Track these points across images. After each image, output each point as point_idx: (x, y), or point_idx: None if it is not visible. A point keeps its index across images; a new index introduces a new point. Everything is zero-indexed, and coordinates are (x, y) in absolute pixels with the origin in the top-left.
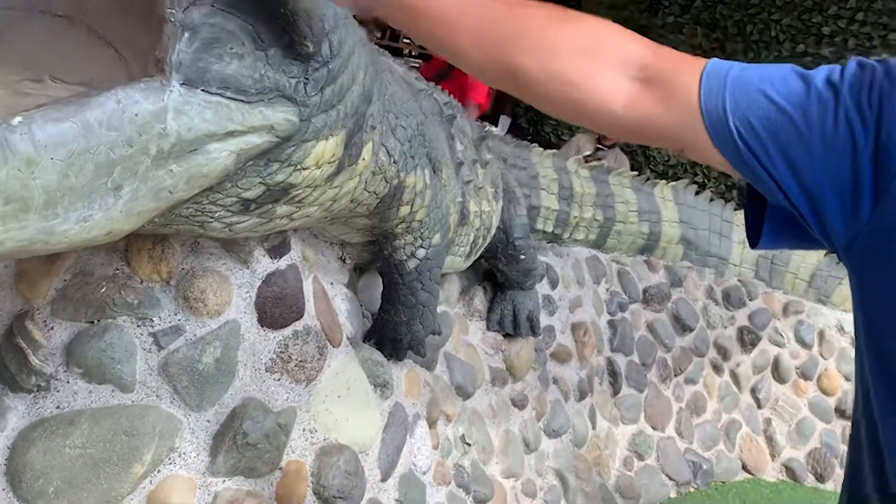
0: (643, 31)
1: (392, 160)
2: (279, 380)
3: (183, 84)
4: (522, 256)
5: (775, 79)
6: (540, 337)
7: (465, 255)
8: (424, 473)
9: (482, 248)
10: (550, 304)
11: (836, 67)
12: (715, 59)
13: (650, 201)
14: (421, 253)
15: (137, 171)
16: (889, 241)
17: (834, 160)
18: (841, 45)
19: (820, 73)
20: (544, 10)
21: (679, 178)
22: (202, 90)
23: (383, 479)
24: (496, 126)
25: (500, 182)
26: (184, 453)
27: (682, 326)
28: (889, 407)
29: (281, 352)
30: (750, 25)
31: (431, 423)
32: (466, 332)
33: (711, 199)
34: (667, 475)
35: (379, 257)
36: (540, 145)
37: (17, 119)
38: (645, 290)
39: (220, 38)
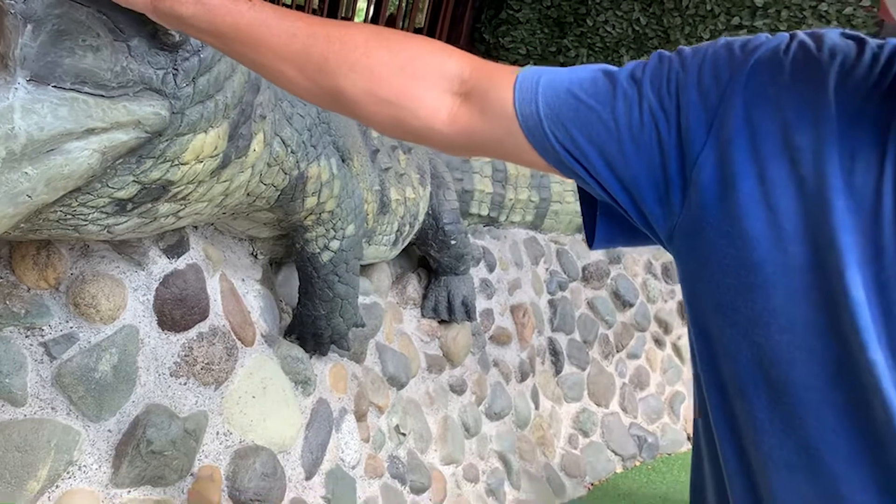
0: (581, 8)
1: (289, 150)
2: (186, 384)
3: (30, 80)
4: (454, 242)
5: (584, 80)
6: (477, 321)
7: (391, 243)
8: (354, 468)
9: (410, 236)
10: (488, 287)
11: (640, 63)
12: (528, 67)
13: None
14: (335, 245)
15: None
16: (699, 228)
17: (644, 154)
18: (774, 17)
19: (624, 70)
20: (364, 32)
21: None
22: (54, 86)
23: (308, 478)
24: None
25: (427, 167)
26: (84, 466)
27: (623, 302)
28: (719, 406)
29: (186, 355)
30: (686, 0)
31: (360, 417)
32: (400, 321)
33: None
34: (612, 451)
35: (293, 251)
36: None
37: None
38: (584, 269)
39: (70, 29)
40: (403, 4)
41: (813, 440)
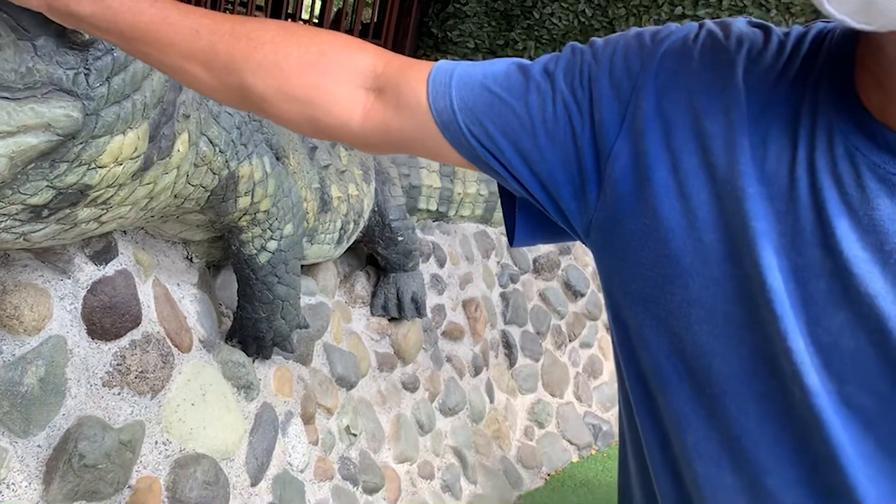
0: (527, 0)
1: (217, 150)
2: (119, 394)
3: None
4: (401, 238)
5: (497, 73)
6: (428, 317)
7: (335, 242)
8: (302, 471)
9: (356, 234)
10: (439, 282)
11: (554, 56)
12: (441, 62)
13: None
14: (272, 245)
15: None
16: (615, 221)
17: (559, 148)
18: (716, 6)
19: (538, 64)
20: (272, 28)
21: None
22: None
23: (253, 484)
24: None
25: (372, 163)
26: (13, 484)
27: (574, 292)
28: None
29: (118, 364)
30: None
31: (308, 419)
32: (349, 320)
33: None
34: (568, 440)
35: (229, 253)
36: None
37: None
38: (535, 261)
39: None
40: (352, 1)
41: (736, 431)
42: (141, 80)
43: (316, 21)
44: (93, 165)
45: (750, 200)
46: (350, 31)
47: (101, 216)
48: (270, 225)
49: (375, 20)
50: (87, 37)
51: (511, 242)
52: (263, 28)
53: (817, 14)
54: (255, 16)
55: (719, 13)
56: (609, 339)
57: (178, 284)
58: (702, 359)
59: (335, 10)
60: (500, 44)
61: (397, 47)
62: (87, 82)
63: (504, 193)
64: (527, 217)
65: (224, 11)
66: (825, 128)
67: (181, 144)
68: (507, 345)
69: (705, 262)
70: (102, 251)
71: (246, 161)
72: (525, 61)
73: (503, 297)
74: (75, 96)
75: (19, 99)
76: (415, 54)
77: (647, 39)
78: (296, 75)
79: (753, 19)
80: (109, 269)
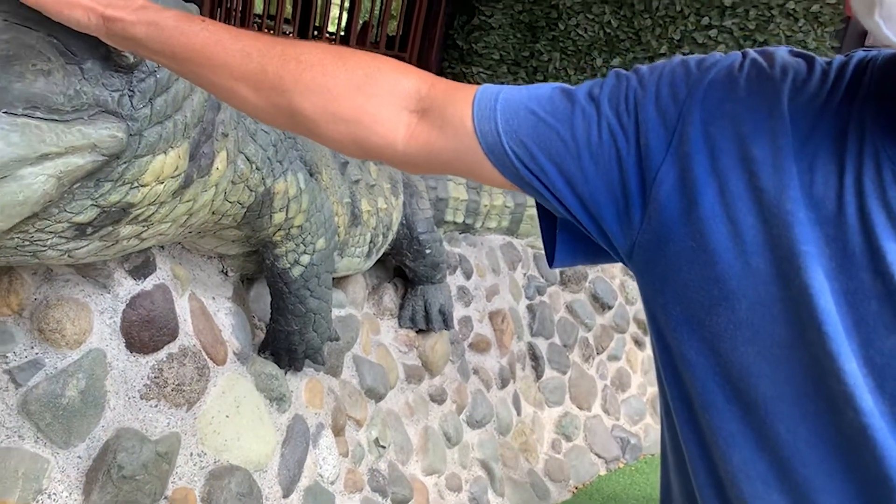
0: (553, 12)
1: (254, 167)
2: (157, 406)
3: None
4: (428, 251)
5: (542, 97)
6: (455, 329)
7: (365, 255)
8: (333, 483)
9: (384, 247)
10: (466, 294)
11: (598, 81)
12: (486, 85)
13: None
14: (305, 259)
15: None
16: (661, 243)
17: (603, 171)
18: (743, 16)
19: (582, 89)
20: (320, 51)
21: None
22: (5, 112)
23: (285, 496)
24: None
25: (400, 177)
26: (54, 494)
27: (601, 305)
28: (687, 420)
29: (155, 377)
30: (655, 2)
31: (338, 431)
32: (377, 332)
33: None
34: (595, 454)
35: (263, 267)
36: None
37: None
38: (562, 273)
39: (20, 54)
40: (376, 11)
41: (785, 452)
42: (182, 101)
43: (342, 34)
44: (135, 184)
45: (798, 225)
46: (376, 44)
47: (142, 233)
48: (304, 239)
49: (401, 32)
50: (131, 59)
51: (550, 264)
52: (312, 51)
53: (845, 23)
54: (284, 29)
55: (746, 23)
56: (637, 352)
57: (214, 298)
58: (749, 380)
59: (361, 22)
60: (525, 55)
61: (423, 59)
62: (132, 104)
63: (543, 214)
64: (568, 238)
65: (254, 25)
66: (872, 153)
67: (220, 162)
68: (534, 357)
69: (753, 284)
70: (141, 266)
71: (281, 177)
72: (569, 86)
73: (530, 309)
74: (120, 117)
75: (67, 121)
76: (440, 66)
77: (692, 67)
78: (343, 97)
79: (795, 49)
80: (148, 284)
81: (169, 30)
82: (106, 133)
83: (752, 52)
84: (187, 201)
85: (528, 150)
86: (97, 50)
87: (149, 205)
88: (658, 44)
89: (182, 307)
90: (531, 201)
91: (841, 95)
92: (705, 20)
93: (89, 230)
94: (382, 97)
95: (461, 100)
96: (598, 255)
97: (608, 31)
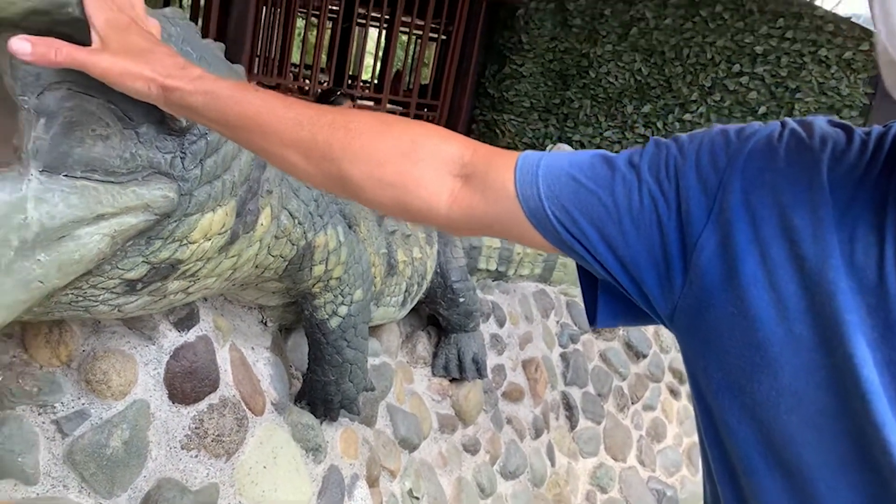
0: (583, 60)
1: (296, 222)
2: (197, 456)
3: (43, 171)
4: (462, 299)
5: (583, 164)
6: (488, 378)
7: (400, 304)
8: None
9: (419, 295)
10: (499, 342)
11: (637, 149)
12: (527, 152)
13: None
14: (343, 310)
15: (0, 264)
16: (702, 308)
17: (644, 236)
18: (775, 63)
19: (622, 156)
20: (367, 119)
21: None
22: (65, 175)
23: None
24: None
25: None
26: None
27: (636, 353)
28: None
29: (196, 427)
30: (686, 49)
31: (372, 482)
32: (411, 381)
33: None
34: None
35: (302, 317)
36: None
37: None
38: None
39: (81, 120)
40: (409, 60)
41: None
42: (230, 161)
43: (376, 82)
44: (184, 241)
45: (841, 294)
46: (408, 92)
47: (188, 287)
48: (342, 291)
49: (433, 81)
50: (184, 123)
51: (592, 324)
52: (360, 119)
53: (877, 70)
54: (320, 78)
55: (778, 70)
56: (672, 401)
57: (253, 348)
58: (791, 448)
59: (394, 70)
60: (556, 102)
61: (454, 107)
62: (183, 165)
63: (584, 275)
64: (609, 299)
65: (290, 74)
66: None
67: (264, 218)
68: (568, 406)
69: (796, 351)
70: (185, 318)
71: (322, 231)
72: (609, 153)
73: (563, 357)
74: (172, 178)
75: (122, 182)
76: (471, 114)
77: (732, 137)
78: (389, 163)
79: (833, 119)
80: (191, 336)
81: (224, 99)
82: (159, 193)
83: (790, 122)
84: (232, 256)
85: (570, 214)
86: (152, 114)
87: (196, 261)
88: (689, 91)
89: (223, 358)
90: None
91: (880, 166)
92: (736, 67)
93: (139, 286)
94: (426, 163)
95: (503, 166)
96: (639, 316)
97: (639, 78)
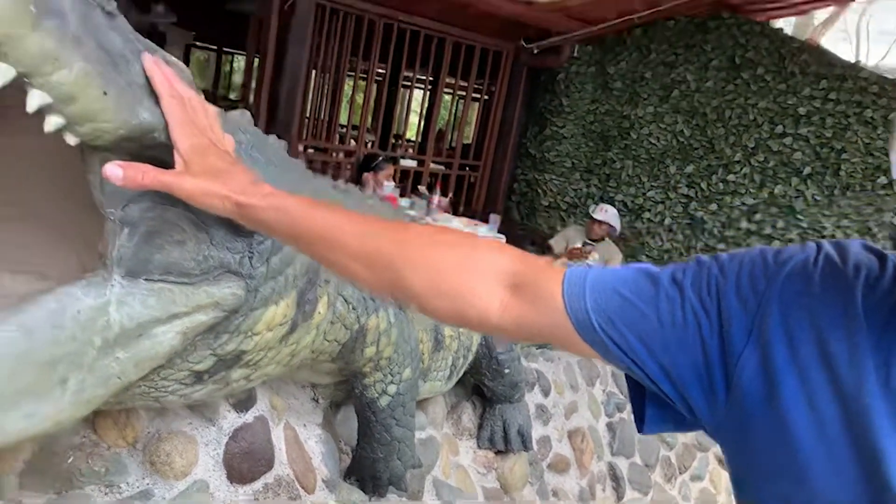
0: (624, 122)
1: (351, 307)
2: None
3: (125, 276)
4: (507, 370)
5: (628, 280)
6: (534, 449)
7: (446, 378)
8: None
9: (464, 368)
10: (544, 412)
11: (680, 266)
12: (573, 267)
13: None
14: (392, 389)
15: (83, 363)
16: (744, 426)
17: (688, 351)
18: (819, 125)
19: (665, 273)
20: (426, 233)
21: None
22: (144, 279)
23: None
24: (487, 224)
25: None
26: None
27: None
28: None
29: None
30: (728, 110)
31: None
32: (456, 453)
33: None
34: None
35: (352, 394)
36: (532, 236)
37: None
38: None
39: (161, 228)
40: (452, 120)
41: None
42: (293, 257)
43: (420, 140)
44: (249, 334)
45: (878, 418)
46: (451, 151)
47: (250, 375)
48: (391, 370)
49: (476, 141)
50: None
51: (640, 430)
52: (418, 233)
53: None
54: (367, 138)
55: (822, 131)
56: (721, 472)
57: (305, 426)
58: None
59: (437, 129)
60: (598, 163)
61: (496, 167)
62: (251, 263)
63: (632, 383)
64: (656, 407)
65: (337, 135)
66: None
67: (322, 307)
68: (615, 477)
69: (836, 472)
70: (244, 400)
71: (374, 314)
72: (653, 268)
73: (609, 426)
74: (240, 276)
75: (195, 283)
76: (513, 174)
77: (770, 260)
78: (445, 274)
79: (868, 243)
80: (249, 416)
81: (293, 215)
82: (228, 291)
83: (826, 246)
84: (292, 344)
85: (617, 328)
86: (224, 219)
87: (259, 351)
88: (732, 151)
89: (278, 437)
90: None
91: None
92: (779, 128)
93: (206, 376)
94: (480, 274)
95: (552, 278)
96: (685, 424)
97: (681, 139)
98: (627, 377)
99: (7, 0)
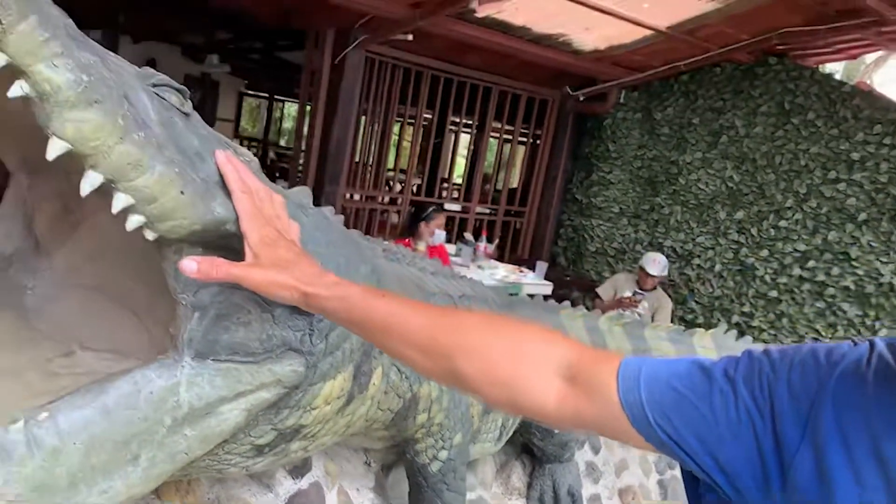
0: (672, 168)
1: (403, 376)
2: None
3: (194, 357)
4: (557, 430)
5: (681, 374)
6: None
7: (496, 439)
8: None
9: (514, 427)
10: (594, 470)
11: (732, 360)
12: (628, 358)
13: (690, 351)
14: (443, 455)
15: (154, 440)
16: None
17: (742, 445)
18: (873, 170)
19: (718, 367)
20: (481, 321)
21: (725, 309)
22: (212, 360)
23: None
24: (534, 270)
25: None
26: None
27: None
28: None
29: None
30: (779, 156)
31: None
32: None
33: (753, 340)
34: None
35: (404, 459)
36: (580, 282)
37: (44, 415)
38: None
39: (228, 311)
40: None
41: None
42: (350, 332)
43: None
44: (308, 408)
45: None
46: (497, 195)
47: (307, 447)
48: (443, 436)
49: (522, 185)
50: None
51: None
52: (474, 321)
53: None
54: (413, 181)
55: (877, 176)
56: None
57: (358, 489)
58: None
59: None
60: (646, 208)
61: (542, 213)
62: (311, 340)
63: (687, 475)
64: (711, 499)
65: (386, 185)
66: None
67: (376, 378)
68: None
69: None
70: (300, 465)
71: (425, 382)
72: (706, 361)
73: (661, 484)
74: (301, 353)
75: (259, 361)
76: (559, 220)
77: (822, 359)
78: (500, 363)
79: None
80: (304, 483)
81: (355, 304)
82: (289, 369)
83: (879, 345)
84: (347, 415)
85: (672, 422)
86: None
87: (317, 424)
88: (783, 197)
89: (332, 502)
90: None
91: None
92: (832, 174)
93: (266, 450)
94: (534, 364)
95: (607, 372)
96: None
97: (730, 185)
98: (682, 470)
99: (97, 113)
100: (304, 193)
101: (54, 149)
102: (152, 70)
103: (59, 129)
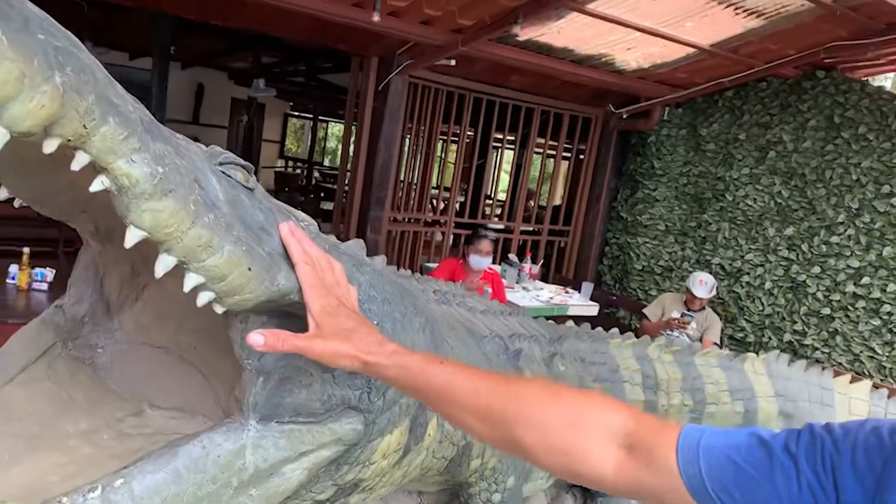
0: (719, 184)
1: None
2: None
3: (259, 420)
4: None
5: (741, 447)
6: None
7: (548, 476)
8: None
9: None
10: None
11: (793, 433)
12: (688, 427)
13: (741, 378)
14: (497, 498)
15: (220, 501)
16: None
17: None
18: None
19: (778, 441)
20: (538, 389)
21: (776, 328)
22: (276, 422)
23: None
24: (579, 291)
25: (576, 385)
26: None
27: None
28: None
29: None
30: (829, 171)
31: None
32: None
33: (807, 367)
34: None
35: (457, 500)
36: (626, 302)
37: (119, 481)
38: None
39: (291, 375)
40: (541, 179)
41: None
42: None
43: (509, 204)
44: (367, 463)
45: None
46: (540, 212)
47: (366, 499)
48: (496, 479)
49: (566, 203)
50: None
51: None
52: (531, 389)
53: None
54: (458, 198)
55: None
56: None
57: None
58: None
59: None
60: (693, 225)
61: (587, 232)
62: (369, 398)
63: None
64: None
65: (430, 199)
66: None
67: (431, 429)
68: None
69: None
70: None
71: None
72: (765, 434)
73: None
74: (359, 411)
75: (320, 421)
76: (604, 238)
77: (885, 438)
78: (557, 431)
79: None
80: None
81: (414, 372)
82: (349, 427)
83: None
84: (404, 466)
85: (732, 496)
86: None
87: (375, 477)
88: (835, 213)
89: None
90: (711, 398)
91: None
92: (885, 188)
93: (326, 503)
94: (592, 433)
95: (666, 442)
96: None
97: (779, 200)
98: None
99: (171, 202)
100: (358, 246)
101: (132, 237)
102: (219, 149)
103: (137, 220)
